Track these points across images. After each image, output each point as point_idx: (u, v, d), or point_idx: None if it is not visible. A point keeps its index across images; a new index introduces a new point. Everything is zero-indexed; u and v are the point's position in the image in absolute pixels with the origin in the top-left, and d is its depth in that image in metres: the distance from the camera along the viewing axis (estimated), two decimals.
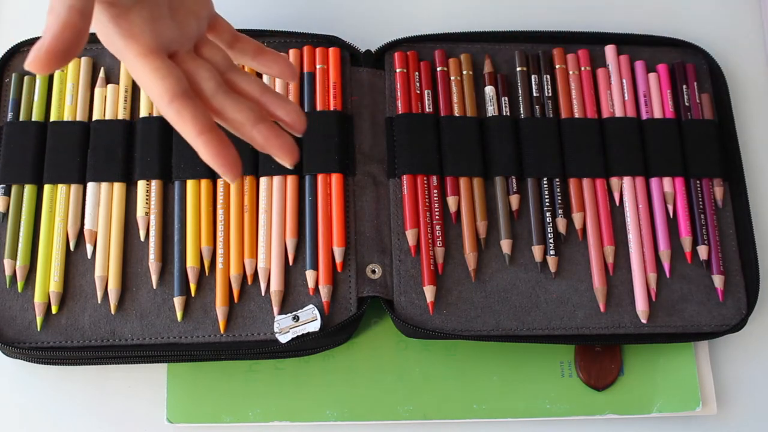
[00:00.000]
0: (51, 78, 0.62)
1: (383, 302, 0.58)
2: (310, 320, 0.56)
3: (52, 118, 0.61)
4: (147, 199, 0.59)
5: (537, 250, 0.59)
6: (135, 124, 0.61)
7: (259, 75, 0.61)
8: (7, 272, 0.57)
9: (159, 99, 0.41)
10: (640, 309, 0.58)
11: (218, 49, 0.46)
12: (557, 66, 0.64)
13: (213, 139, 0.40)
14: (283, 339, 0.56)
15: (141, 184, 0.59)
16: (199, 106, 0.41)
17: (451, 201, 0.60)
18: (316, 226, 0.59)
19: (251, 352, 0.56)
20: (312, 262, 0.58)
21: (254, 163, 0.60)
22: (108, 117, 0.61)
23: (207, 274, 0.58)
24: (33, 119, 0.61)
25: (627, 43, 0.65)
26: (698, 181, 0.61)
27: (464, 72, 0.63)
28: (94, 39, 0.63)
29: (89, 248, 0.58)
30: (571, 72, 0.64)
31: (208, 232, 0.58)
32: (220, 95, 0.43)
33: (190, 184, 0.59)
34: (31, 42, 0.63)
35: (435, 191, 0.60)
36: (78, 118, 0.61)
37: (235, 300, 0.57)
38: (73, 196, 0.59)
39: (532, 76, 0.64)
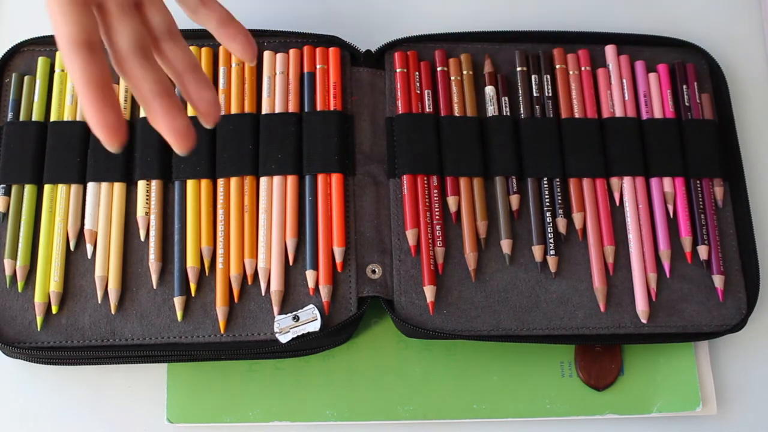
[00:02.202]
0: (51, 78, 0.62)
1: (383, 302, 0.58)
2: (310, 320, 0.56)
3: (52, 118, 0.61)
4: (147, 199, 0.59)
5: (537, 250, 0.59)
6: (135, 124, 0.61)
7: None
8: (7, 272, 0.57)
9: (59, 44, 0.40)
10: (640, 309, 0.58)
11: (160, 12, 0.44)
12: (557, 66, 0.64)
13: (99, 98, 0.39)
14: (283, 339, 0.56)
15: (141, 184, 0.59)
16: (97, 62, 0.40)
17: (451, 201, 0.60)
18: (316, 226, 0.59)
19: (251, 352, 0.56)
20: (312, 262, 0.58)
21: (254, 163, 0.60)
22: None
23: (207, 274, 0.58)
24: (33, 119, 0.61)
25: (627, 43, 0.65)
26: (698, 181, 0.61)
27: (464, 72, 0.63)
28: None
29: (89, 248, 0.58)
30: (571, 72, 0.64)
31: (208, 232, 0.58)
32: (132, 57, 0.42)
33: (190, 184, 0.59)
34: (31, 42, 0.63)
35: (435, 191, 0.60)
36: (78, 118, 0.61)
37: (235, 300, 0.57)
38: (73, 196, 0.59)
39: (533, 76, 0.64)
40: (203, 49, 0.63)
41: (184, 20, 0.64)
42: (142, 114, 0.61)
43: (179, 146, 0.41)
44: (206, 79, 0.44)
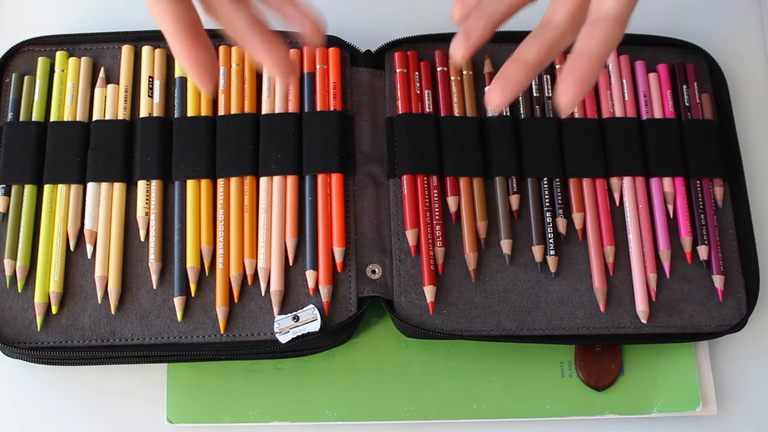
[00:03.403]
0: (51, 78, 0.62)
1: (383, 302, 0.58)
2: (310, 320, 0.56)
3: (52, 118, 0.61)
4: (147, 199, 0.59)
5: (537, 250, 0.59)
6: (135, 124, 0.61)
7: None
8: (7, 272, 0.57)
9: None
10: (640, 309, 0.58)
11: None
12: (557, 66, 0.64)
13: (192, 40, 0.40)
14: (283, 339, 0.56)
15: (141, 184, 0.59)
16: (187, 7, 0.41)
17: (451, 201, 0.60)
18: (316, 226, 0.59)
19: (251, 352, 0.56)
20: (312, 262, 0.58)
21: (254, 163, 0.60)
22: (108, 117, 0.61)
23: (207, 274, 0.58)
24: (33, 119, 0.61)
25: (627, 43, 0.65)
26: (698, 181, 0.61)
27: (464, 72, 0.63)
28: (94, 39, 0.64)
29: (89, 248, 0.58)
30: None
31: (208, 232, 0.58)
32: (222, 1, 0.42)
33: (190, 184, 0.59)
34: (31, 42, 0.63)
35: (435, 191, 0.60)
36: (78, 118, 0.61)
37: (235, 300, 0.57)
38: (73, 196, 0.59)
39: None
40: None
41: None
42: (142, 114, 0.61)
43: (284, 76, 0.42)
44: (303, 5, 0.45)
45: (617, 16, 0.43)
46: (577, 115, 0.63)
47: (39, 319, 0.56)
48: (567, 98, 0.42)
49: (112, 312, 0.57)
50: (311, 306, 0.56)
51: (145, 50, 0.63)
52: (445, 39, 0.65)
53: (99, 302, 0.57)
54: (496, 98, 0.44)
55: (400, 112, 0.62)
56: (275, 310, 0.57)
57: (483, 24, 0.46)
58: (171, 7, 0.40)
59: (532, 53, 0.44)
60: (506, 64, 0.44)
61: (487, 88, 0.44)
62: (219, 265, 0.58)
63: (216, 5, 0.42)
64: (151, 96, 0.62)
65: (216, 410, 0.57)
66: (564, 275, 0.59)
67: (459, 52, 0.45)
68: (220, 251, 0.58)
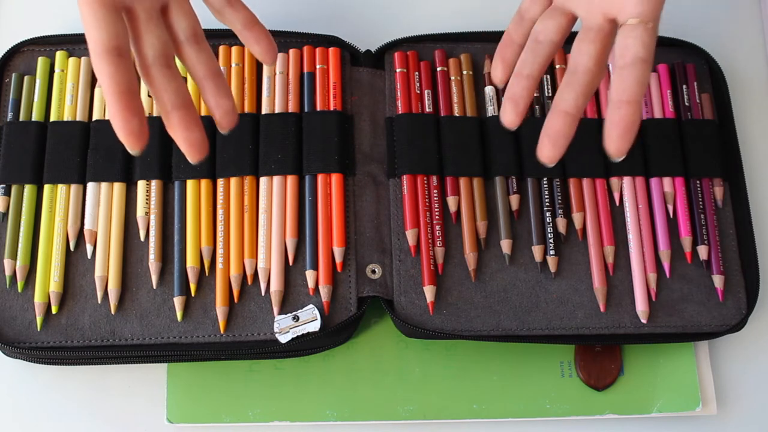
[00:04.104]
0: (51, 78, 0.62)
1: (383, 302, 0.58)
2: (310, 320, 0.56)
3: (52, 118, 0.61)
4: (147, 199, 0.59)
5: (537, 250, 0.59)
6: None
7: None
8: (7, 272, 0.57)
9: (90, 48, 0.41)
10: (640, 309, 0.58)
11: (187, 16, 0.45)
12: (557, 66, 0.64)
13: (124, 104, 0.41)
14: (283, 339, 0.56)
15: (141, 184, 0.59)
16: (125, 68, 0.41)
17: (451, 201, 0.60)
18: (316, 226, 0.59)
19: (251, 352, 0.56)
20: (312, 262, 0.58)
21: (254, 163, 0.60)
22: (108, 117, 0.61)
23: (207, 274, 0.58)
24: (33, 119, 0.61)
25: None
26: (698, 181, 0.61)
27: (464, 72, 0.63)
28: None
29: (89, 248, 0.58)
30: None
31: (208, 232, 0.58)
32: (157, 66, 0.43)
33: (190, 184, 0.59)
34: (31, 42, 0.63)
35: (435, 191, 0.60)
36: (78, 118, 0.61)
37: (235, 300, 0.57)
38: (73, 196, 0.59)
39: None
40: None
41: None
42: None
43: (192, 157, 0.44)
44: (225, 87, 0.45)
45: (644, 58, 0.44)
46: None
47: (39, 319, 0.56)
48: (617, 147, 0.43)
49: (112, 312, 0.57)
50: (311, 306, 0.57)
51: None
52: (445, 39, 0.65)
53: (99, 302, 0.57)
54: (548, 154, 0.45)
55: (400, 112, 0.62)
56: (275, 310, 0.57)
57: (525, 84, 0.48)
58: (112, 67, 0.41)
59: (571, 103, 0.45)
60: (549, 117, 0.45)
61: (538, 148, 0.45)
62: (219, 265, 0.58)
63: (149, 72, 0.43)
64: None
65: (216, 410, 0.57)
66: (564, 275, 0.59)
67: (512, 120, 0.47)
68: (220, 251, 0.58)
